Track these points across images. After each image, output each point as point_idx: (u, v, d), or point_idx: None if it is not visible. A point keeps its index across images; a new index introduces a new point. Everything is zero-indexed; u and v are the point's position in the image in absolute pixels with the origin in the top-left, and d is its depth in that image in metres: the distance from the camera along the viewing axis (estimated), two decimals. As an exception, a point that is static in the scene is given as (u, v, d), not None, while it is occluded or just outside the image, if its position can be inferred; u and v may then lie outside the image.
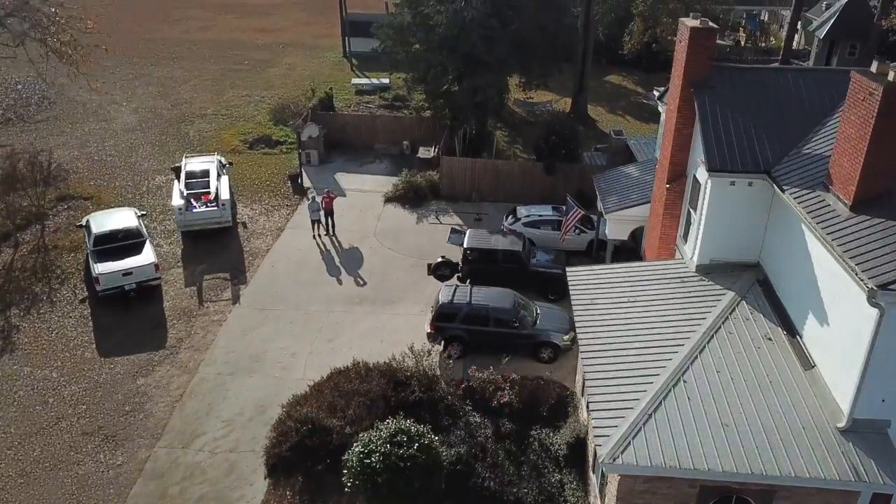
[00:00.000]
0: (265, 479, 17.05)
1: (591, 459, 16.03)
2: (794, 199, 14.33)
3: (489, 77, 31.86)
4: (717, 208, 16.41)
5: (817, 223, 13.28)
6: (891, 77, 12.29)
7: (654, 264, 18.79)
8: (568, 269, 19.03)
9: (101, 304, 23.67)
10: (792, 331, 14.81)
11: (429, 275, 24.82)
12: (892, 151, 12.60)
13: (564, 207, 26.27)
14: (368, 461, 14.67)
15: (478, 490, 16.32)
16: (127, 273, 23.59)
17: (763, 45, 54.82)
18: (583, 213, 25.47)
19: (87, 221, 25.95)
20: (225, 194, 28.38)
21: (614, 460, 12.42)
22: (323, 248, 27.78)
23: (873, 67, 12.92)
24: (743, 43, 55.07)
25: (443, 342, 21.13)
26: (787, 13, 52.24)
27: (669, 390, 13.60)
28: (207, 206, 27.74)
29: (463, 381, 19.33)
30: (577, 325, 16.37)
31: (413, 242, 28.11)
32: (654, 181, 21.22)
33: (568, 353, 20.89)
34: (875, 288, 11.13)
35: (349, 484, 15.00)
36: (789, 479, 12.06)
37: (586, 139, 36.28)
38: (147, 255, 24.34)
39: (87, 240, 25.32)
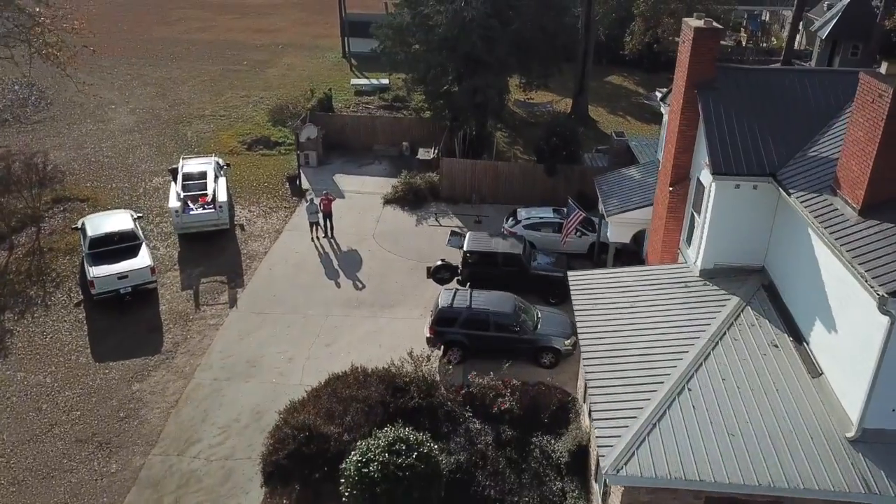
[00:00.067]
0: (261, 487, 16.72)
1: (593, 467, 15.75)
2: (801, 202, 14.05)
3: (489, 77, 31.62)
4: (722, 211, 16.14)
5: (825, 228, 12.98)
6: (901, 78, 12.01)
7: (656, 268, 18.52)
8: (569, 273, 18.78)
9: (96, 307, 23.38)
10: (798, 337, 14.51)
11: (428, 278, 24.62)
12: (902, 154, 12.32)
13: (565, 210, 26.06)
14: (366, 470, 14.38)
15: (478, 499, 16.10)
16: (123, 276, 23.31)
17: (764, 45, 54.65)
18: (584, 215, 25.23)
19: (83, 224, 25.66)
20: (222, 196, 28.13)
21: (618, 471, 12.14)
22: (321, 251, 27.50)
23: (883, 69, 12.58)
24: (744, 43, 54.87)
25: (442, 347, 20.86)
26: (788, 13, 52.06)
27: (674, 398, 13.32)
28: (205, 209, 27.49)
29: (463, 386, 19.07)
30: (578, 329, 16.10)
31: (412, 245, 27.84)
32: (656, 183, 20.95)
33: (569, 359, 20.64)
34: (886, 295, 10.84)
35: (346, 494, 14.70)
36: (797, 491, 11.77)
37: (587, 140, 36.09)
38: (143, 259, 24.06)
39: (82, 242, 25.03)
